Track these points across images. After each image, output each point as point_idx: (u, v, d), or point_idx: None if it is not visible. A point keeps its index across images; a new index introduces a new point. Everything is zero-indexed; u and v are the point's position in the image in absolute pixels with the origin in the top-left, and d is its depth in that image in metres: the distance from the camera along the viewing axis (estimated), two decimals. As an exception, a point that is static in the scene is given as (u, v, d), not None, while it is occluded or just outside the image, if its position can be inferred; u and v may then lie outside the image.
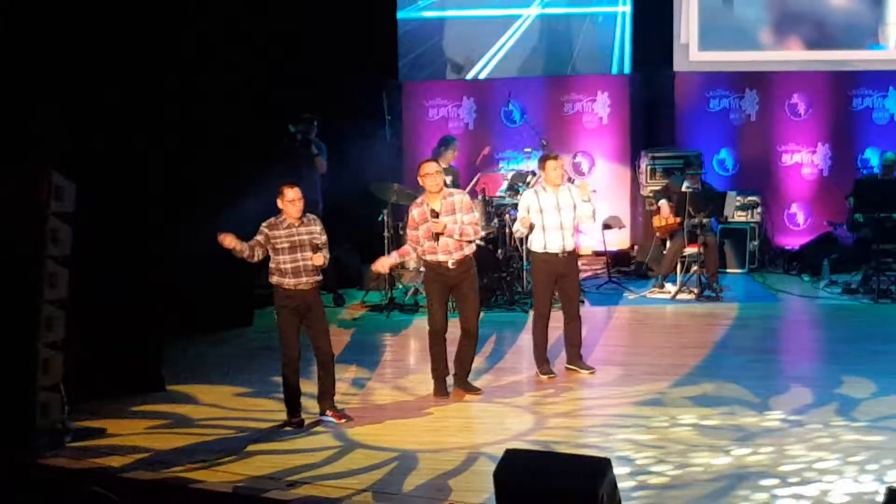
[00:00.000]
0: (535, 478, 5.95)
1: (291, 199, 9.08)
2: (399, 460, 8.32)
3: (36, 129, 9.23)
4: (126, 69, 9.85)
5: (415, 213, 9.82)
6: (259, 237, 9.11)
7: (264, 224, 9.15)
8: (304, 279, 9.10)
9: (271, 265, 9.14)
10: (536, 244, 10.28)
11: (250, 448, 8.58)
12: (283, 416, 9.18)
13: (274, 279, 9.14)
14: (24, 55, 9.25)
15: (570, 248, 10.28)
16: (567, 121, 15.51)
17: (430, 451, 8.52)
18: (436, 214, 9.68)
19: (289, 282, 9.08)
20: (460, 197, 9.88)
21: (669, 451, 8.35)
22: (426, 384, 9.95)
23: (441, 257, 9.73)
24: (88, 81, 9.58)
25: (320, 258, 9.13)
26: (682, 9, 15.21)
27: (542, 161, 10.51)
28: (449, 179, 12.74)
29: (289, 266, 9.07)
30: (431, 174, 9.74)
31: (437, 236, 9.66)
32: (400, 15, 14.89)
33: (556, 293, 10.43)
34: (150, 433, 9.00)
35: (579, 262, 14.60)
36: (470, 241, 9.85)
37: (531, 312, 12.43)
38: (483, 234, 10.34)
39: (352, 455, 8.46)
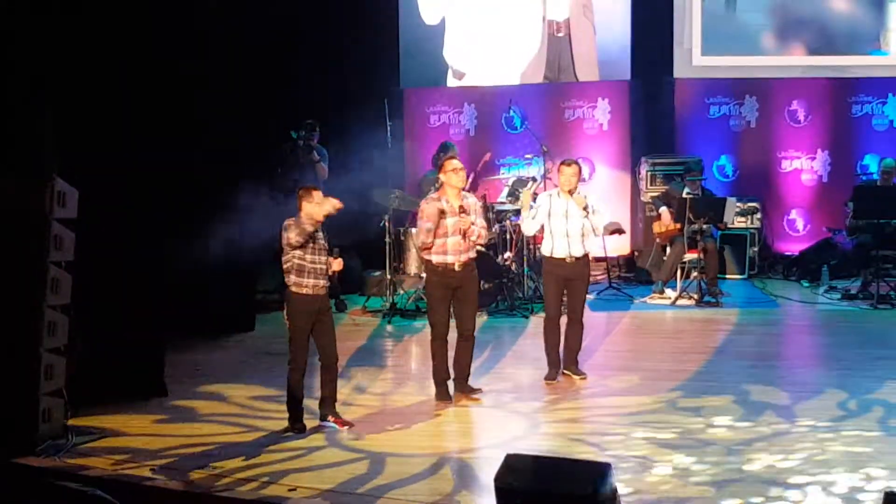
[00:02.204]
0: (536, 482, 5.98)
1: (320, 202, 9.12)
2: (400, 465, 8.35)
3: (38, 135, 9.26)
4: (128, 75, 9.88)
5: (431, 207, 9.79)
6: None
7: (292, 222, 9.05)
8: (322, 282, 9.15)
9: (292, 263, 9.06)
10: (545, 248, 10.33)
11: (253, 455, 8.62)
12: (279, 421, 9.21)
13: (292, 279, 9.08)
14: (26, 61, 9.29)
15: (577, 254, 10.25)
16: (567, 127, 15.52)
17: (430, 456, 8.55)
18: (463, 210, 9.73)
19: (308, 282, 9.08)
20: (474, 200, 10.01)
21: (668, 456, 8.38)
22: (427, 389, 9.98)
23: (449, 258, 9.76)
24: (90, 87, 9.61)
25: (340, 263, 9.19)
26: (685, 14, 15.25)
27: (559, 165, 10.56)
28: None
29: (314, 266, 9.09)
30: (459, 170, 9.82)
31: (463, 233, 9.70)
32: (401, 21, 14.92)
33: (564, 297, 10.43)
34: (153, 438, 9.03)
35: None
36: (480, 245, 10.00)
37: (532, 317, 12.54)
38: (485, 239, 10.41)
39: (351, 461, 8.50)
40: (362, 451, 8.66)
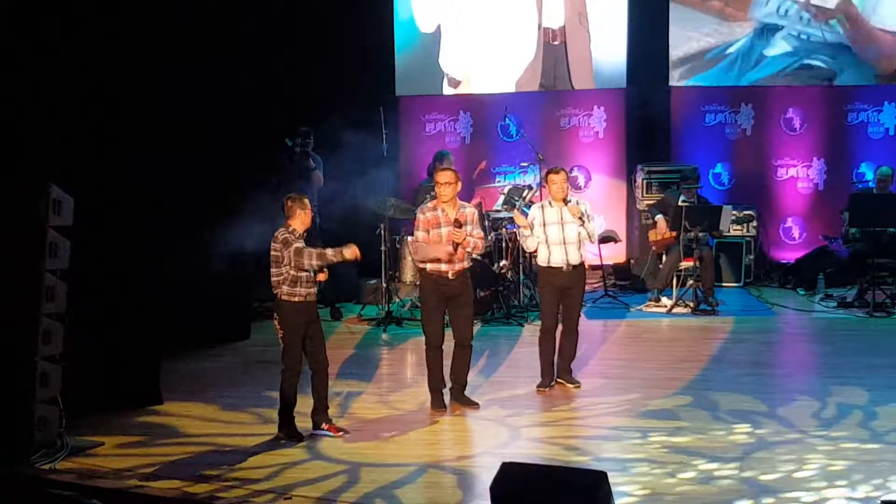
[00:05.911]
0: (532, 491, 5.98)
1: (310, 211, 9.18)
2: (395, 474, 8.34)
3: (34, 143, 9.26)
4: (124, 84, 9.88)
5: (427, 216, 9.79)
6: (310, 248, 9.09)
7: (291, 236, 9.05)
8: (313, 289, 9.16)
9: (286, 276, 9.04)
10: (541, 258, 10.31)
11: (248, 463, 8.61)
12: (274, 428, 9.21)
13: (284, 289, 9.06)
14: (21, 68, 9.28)
15: (574, 262, 10.24)
16: (563, 135, 15.55)
17: (426, 465, 8.53)
18: (459, 224, 9.72)
19: (301, 291, 9.07)
20: (472, 210, 9.97)
21: (664, 465, 8.38)
22: (422, 397, 9.97)
23: (443, 267, 9.76)
24: (86, 95, 9.61)
25: (325, 275, 9.18)
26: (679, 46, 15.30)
27: (546, 175, 10.57)
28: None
29: (308, 274, 9.08)
30: (448, 183, 9.79)
31: (455, 245, 9.68)
32: (397, 29, 14.94)
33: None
34: (147, 448, 9.01)
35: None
36: (476, 254, 10.01)
37: (527, 325, 12.54)
38: (482, 249, 10.39)
39: (345, 469, 8.49)
40: (357, 460, 8.64)
